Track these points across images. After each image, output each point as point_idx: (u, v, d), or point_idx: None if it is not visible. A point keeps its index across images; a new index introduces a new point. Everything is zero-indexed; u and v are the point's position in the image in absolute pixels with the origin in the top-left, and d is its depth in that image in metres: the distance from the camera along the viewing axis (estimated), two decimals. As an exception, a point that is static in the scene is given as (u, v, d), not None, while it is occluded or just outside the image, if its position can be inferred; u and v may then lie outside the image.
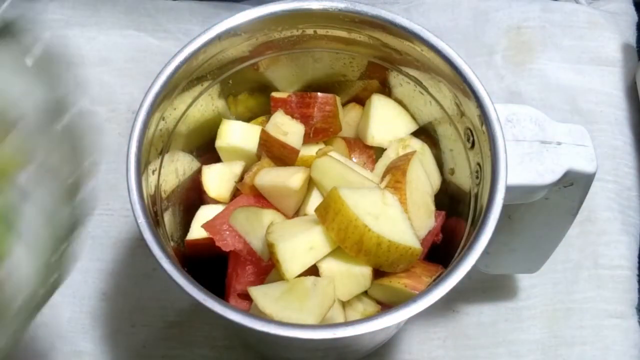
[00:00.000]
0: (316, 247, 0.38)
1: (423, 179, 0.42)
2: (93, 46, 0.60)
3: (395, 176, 0.40)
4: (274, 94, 0.45)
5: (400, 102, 0.45)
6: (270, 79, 0.45)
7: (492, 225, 0.36)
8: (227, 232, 0.40)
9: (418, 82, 0.43)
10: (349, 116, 0.46)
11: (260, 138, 0.42)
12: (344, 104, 0.47)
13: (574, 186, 0.39)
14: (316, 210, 0.38)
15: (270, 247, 0.38)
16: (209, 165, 0.44)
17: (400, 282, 0.38)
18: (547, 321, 0.51)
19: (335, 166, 0.41)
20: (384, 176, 0.42)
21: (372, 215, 0.37)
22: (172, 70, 0.39)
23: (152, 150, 0.39)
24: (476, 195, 0.39)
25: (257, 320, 0.33)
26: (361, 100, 0.46)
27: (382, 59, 0.43)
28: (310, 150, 0.43)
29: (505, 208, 0.36)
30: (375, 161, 0.45)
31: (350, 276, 0.38)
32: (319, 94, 0.44)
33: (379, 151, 0.45)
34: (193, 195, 0.44)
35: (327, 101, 0.44)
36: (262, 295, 0.37)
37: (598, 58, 0.61)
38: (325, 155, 0.42)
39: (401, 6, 0.63)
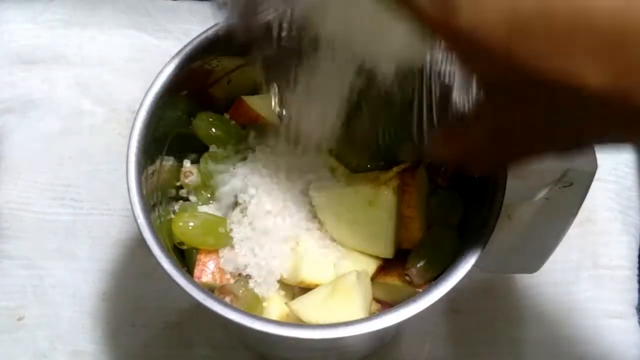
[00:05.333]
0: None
1: (426, 180, 0.42)
2: (93, 46, 0.60)
3: (404, 178, 0.40)
4: None
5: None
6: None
7: (492, 225, 0.36)
8: None
9: (418, 82, 0.43)
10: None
11: None
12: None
13: (574, 186, 0.39)
14: None
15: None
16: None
17: (401, 279, 0.39)
18: (547, 321, 0.51)
19: None
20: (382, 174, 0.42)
21: (343, 220, 0.39)
22: (172, 70, 0.39)
23: (152, 150, 0.39)
24: (476, 195, 0.39)
25: (257, 320, 0.33)
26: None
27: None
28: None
29: (505, 208, 0.36)
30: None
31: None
32: None
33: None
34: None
35: None
36: (302, 306, 0.37)
37: (598, 58, 0.61)
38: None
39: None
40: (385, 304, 0.41)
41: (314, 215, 0.41)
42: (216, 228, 0.41)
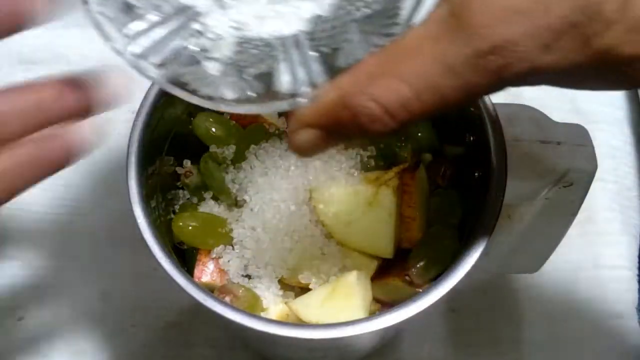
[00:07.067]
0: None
1: (426, 180, 0.42)
2: (93, 46, 0.60)
3: (404, 178, 0.40)
4: None
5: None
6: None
7: (492, 225, 0.36)
8: None
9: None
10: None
11: None
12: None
13: (574, 186, 0.39)
14: None
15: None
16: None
17: (401, 279, 0.39)
18: (547, 321, 0.51)
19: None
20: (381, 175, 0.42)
21: (342, 220, 0.39)
22: (172, 70, 0.39)
23: (152, 150, 0.39)
24: (476, 195, 0.39)
25: (257, 320, 0.33)
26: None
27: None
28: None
29: (505, 208, 0.36)
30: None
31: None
32: None
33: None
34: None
35: None
36: (302, 306, 0.37)
37: (598, 58, 0.61)
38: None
39: (401, 6, 0.63)
40: (385, 304, 0.41)
41: (313, 215, 0.41)
42: (216, 228, 0.41)
